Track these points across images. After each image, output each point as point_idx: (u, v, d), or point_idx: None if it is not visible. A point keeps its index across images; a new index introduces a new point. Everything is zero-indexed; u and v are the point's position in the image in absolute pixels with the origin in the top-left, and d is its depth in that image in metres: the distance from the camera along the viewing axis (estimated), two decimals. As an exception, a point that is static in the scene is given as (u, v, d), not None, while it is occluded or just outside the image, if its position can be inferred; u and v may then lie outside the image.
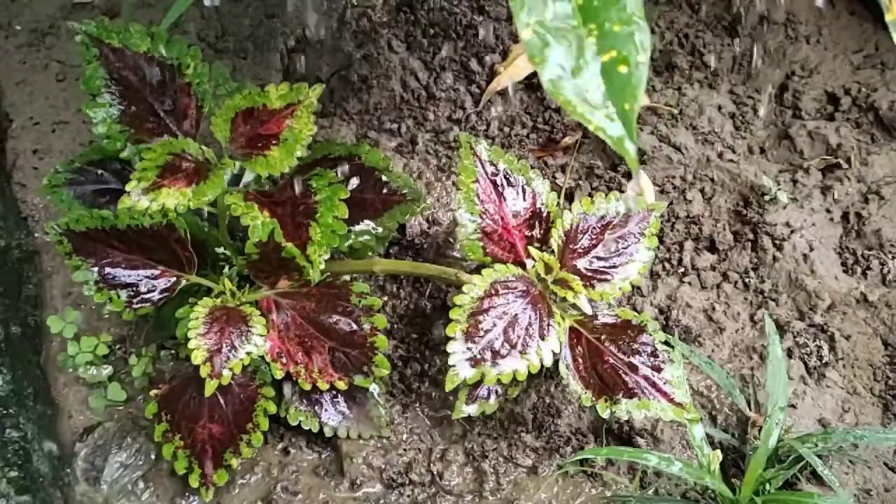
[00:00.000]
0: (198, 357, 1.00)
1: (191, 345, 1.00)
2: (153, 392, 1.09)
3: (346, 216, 1.04)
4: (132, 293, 1.07)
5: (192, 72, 1.12)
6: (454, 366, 1.01)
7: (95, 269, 1.07)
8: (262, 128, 1.06)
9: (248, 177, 1.13)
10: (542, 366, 1.03)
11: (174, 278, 1.08)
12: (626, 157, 0.63)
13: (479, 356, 1.02)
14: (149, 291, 1.08)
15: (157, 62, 1.12)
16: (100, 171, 1.14)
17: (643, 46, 0.64)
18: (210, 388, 0.99)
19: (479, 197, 1.10)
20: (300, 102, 1.06)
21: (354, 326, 1.07)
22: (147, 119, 1.11)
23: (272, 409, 1.08)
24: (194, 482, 1.06)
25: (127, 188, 0.98)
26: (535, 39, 0.65)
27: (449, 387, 1.01)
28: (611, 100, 0.64)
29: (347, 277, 1.09)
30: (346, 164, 1.16)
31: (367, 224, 1.16)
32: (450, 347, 1.02)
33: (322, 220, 1.02)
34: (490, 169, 1.12)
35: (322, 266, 1.02)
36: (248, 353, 1.02)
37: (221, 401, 1.07)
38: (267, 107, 1.07)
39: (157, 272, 1.08)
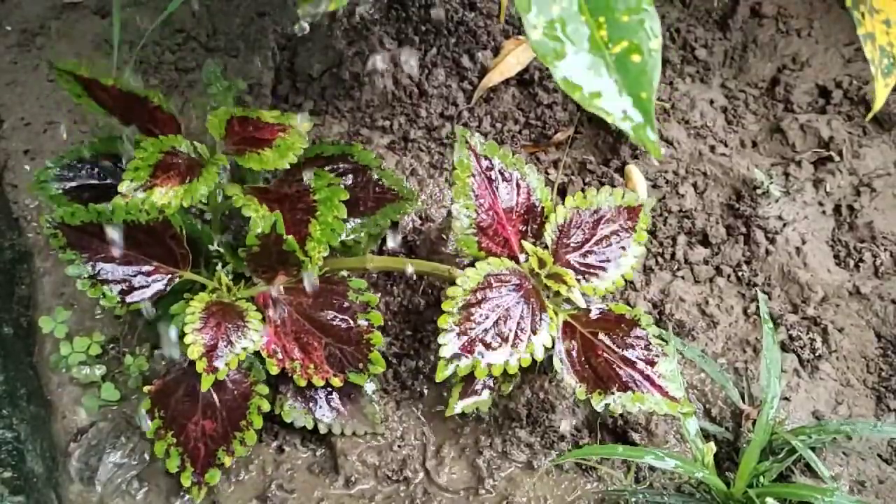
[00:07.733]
0: (194, 352, 0.99)
1: (187, 339, 1.00)
2: (146, 388, 1.08)
3: (346, 216, 1.05)
4: (126, 289, 1.07)
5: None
6: (444, 357, 1.01)
7: (89, 263, 1.06)
8: (257, 133, 1.06)
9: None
10: (535, 361, 1.03)
11: (169, 275, 1.08)
12: (649, 146, 0.62)
13: (470, 348, 1.02)
14: (142, 287, 1.07)
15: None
16: (92, 168, 1.14)
17: (654, 33, 0.63)
18: (206, 382, 0.99)
19: (474, 192, 1.10)
20: (292, 127, 1.07)
21: (350, 323, 1.07)
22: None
23: (266, 406, 1.07)
24: (186, 481, 1.06)
25: (120, 188, 0.98)
26: (544, 40, 0.64)
27: (440, 377, 1.01)
28: (627, 91, 0.63)
29: (345, 273, 1.09)
30: (339, 163, 1.16)
31: (359, 222, 1.16)
32: (441, 339, 1.02)
33: (322, 219, 1.03)
34: (485, 164, 1.12)
35: (321, 262, 1.03)
36: (245, 349, 1.02)
37: (215, 397, 1.07)
38: (261, 119, 1.08)
39: (151, 268, 1.08)
